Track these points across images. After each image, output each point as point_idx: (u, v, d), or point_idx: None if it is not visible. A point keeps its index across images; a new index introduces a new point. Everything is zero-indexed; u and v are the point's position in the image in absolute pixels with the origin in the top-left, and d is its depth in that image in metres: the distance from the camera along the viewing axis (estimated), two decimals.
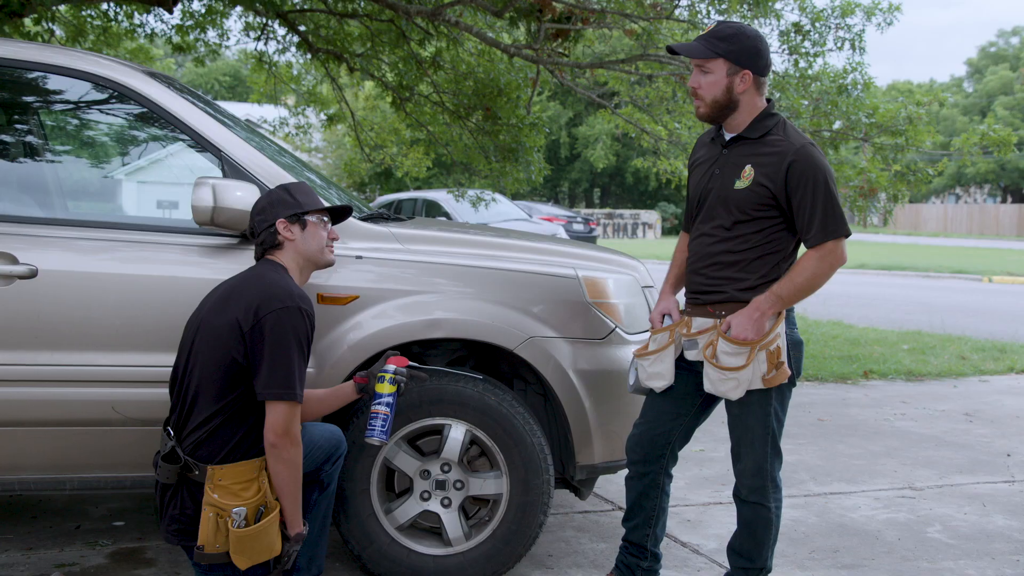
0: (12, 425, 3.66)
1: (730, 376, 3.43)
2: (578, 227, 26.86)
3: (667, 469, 3.81)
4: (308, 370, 3.78)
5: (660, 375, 3.66)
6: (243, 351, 3.19)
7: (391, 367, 3.56)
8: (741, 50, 3.47)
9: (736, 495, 3.69)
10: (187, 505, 3.27)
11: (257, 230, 3.44)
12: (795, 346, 3.55)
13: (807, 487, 5.67)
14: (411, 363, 3.65)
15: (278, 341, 3.17)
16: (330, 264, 3.56)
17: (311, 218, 3.45)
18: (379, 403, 3.53)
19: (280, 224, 3.39)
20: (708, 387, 3.51)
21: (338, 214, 3.63)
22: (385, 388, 3.53)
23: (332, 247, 3.54)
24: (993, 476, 6.00)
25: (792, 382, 3.54)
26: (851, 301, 15.98)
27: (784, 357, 3.44)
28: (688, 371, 3.65)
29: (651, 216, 47.39)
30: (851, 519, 5.10)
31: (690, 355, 3.60)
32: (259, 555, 3.19)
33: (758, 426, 3.54)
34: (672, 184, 10.87)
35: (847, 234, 3.42)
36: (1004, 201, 63.62)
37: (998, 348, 11.03)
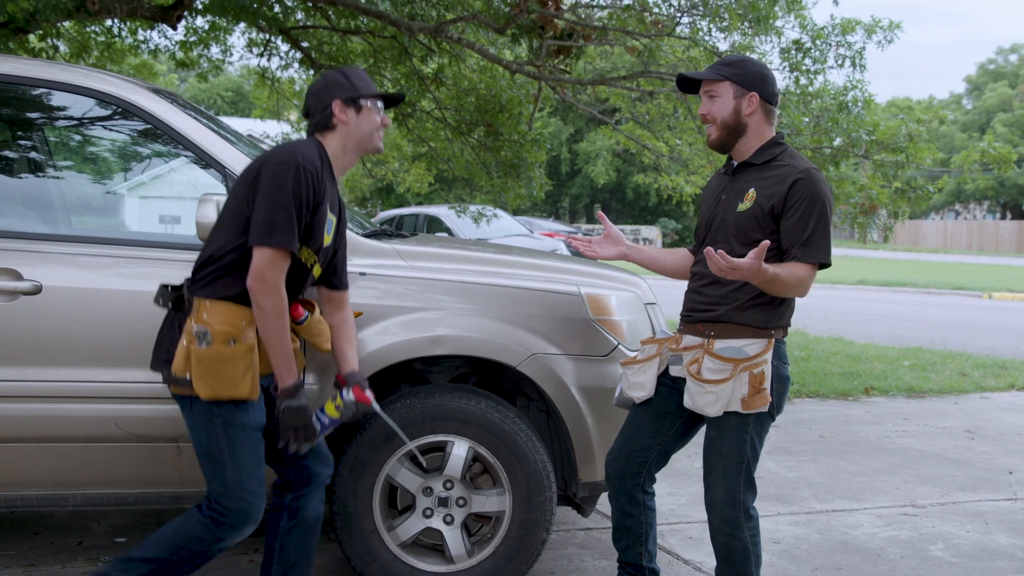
0: (15, 441, 3.67)
1: (710, 389, 3.43)
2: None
3: (644, 487, 3.78)
4: (311, 386, 3.79)
5: (641, 385, 3.68)
6: (247, 201, 3.25)
7: (350, 397, 3.47)
8: (746, 73, 3.54)
9: (710, 527, 3.63)
10: (177, 336, 3.29)
11: (312, 111, 3.45)
12: (780, 380, 3.53)
13: (809, 504, 5.67)
14: (373, 404, 3.52)
15: (267, 191, 3.21)
16: (379, 151, 3.57)
17: (366, 103, 3.45)
18: (319, 418, 3.45)
19: (336, 106, 3.40)
20: (687, 401, 3.53)
21: (391, 101, 3.62)
22: (330, 410, 3.46)
23: (381, 133, 3.52)
24: (995, 494, 6.00)
25: (772, 415, 3.53)
26: (851, 317, 15.99)
27: (767, 384, 3.44)
28: (671, 389, 3.66)
29: (652, 232, 47.44)
30: (853, 536, 5.10)
31: (674, 370, 3.62)
32: (221, 386, 3.19)
33: (733, 452, 3.52)
34: (673, 200, 10.91)
35: (828, 264, 3.46)
36: (1003, 217, 63.74)
37: (999, 365, 11.03)
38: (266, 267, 3.18)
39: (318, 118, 3.43)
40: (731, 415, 3.46)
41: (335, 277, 3.61)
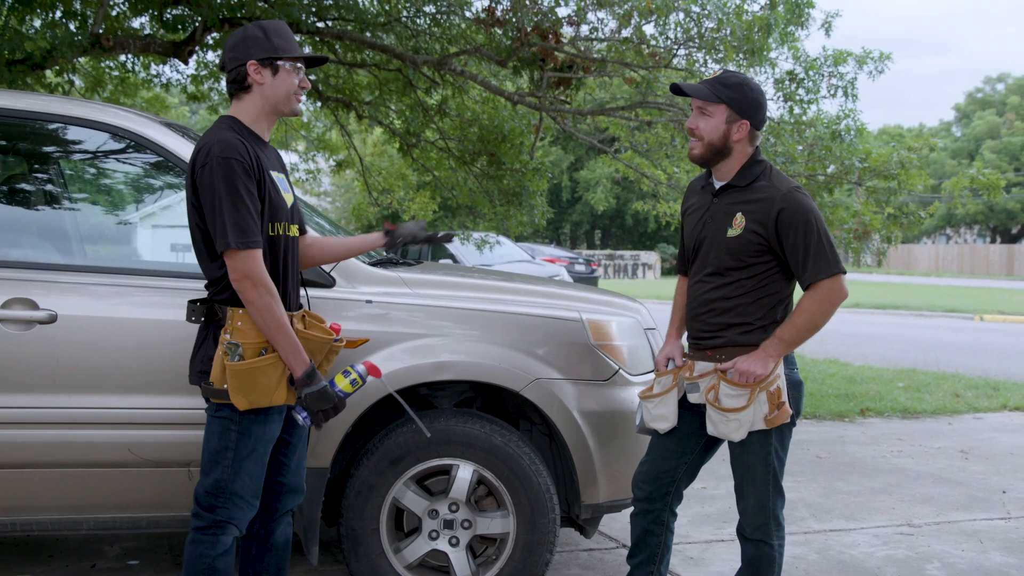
0: (31, 467, 3.75)
1: (732, 417, 3.50)
2: (580, 268, 26.99)
3: (671, 507, 3.87)
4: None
5: (664, 417, 3.73)
6: (201, 217, 3.24)
7: (362, 369, 3.42)
8: (743, 100, 3.57)
9: (740, 533, 3.76)
10: (211, 348, 3.30)
11: (227, 67, 3.33)
12: (795, 386, 3.62)
13: (807, 524, 5.73)
14: (381, 376, 3.54)
15: (207, 199, 3.17)
16: (296, 114, 3.48)
17: (284, 64, 3.31)
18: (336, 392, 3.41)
19: (251, 66, 3.27)
20: (711, 429, 3.59)
21: (313, 61, 3.50)
22: (344, 385, 3.38)
23: (300, 96, 3.41)
24: (989, 513, 6.06)
25: (792, 422, 3.61)
26: (847, 340, 16.04)
27: (785, 397, 3.51)
28: (692, 411, 3.72)
29: (651, 257, 47.56)
30: (851, 556, 5.17)
31: (692, 398, 3.67)
32: (256, 397, 3.20)
33: (759, 465, 3.62)
34: (672, 227, 11.03)
35: (842, 271, 3.48)
36: (993, 241, 64.02)
37: (991, 386, 11.10)
38: (243, 266, 3.15)
39: (233, 76, 3.32)
40: (753, 432, 3.54)
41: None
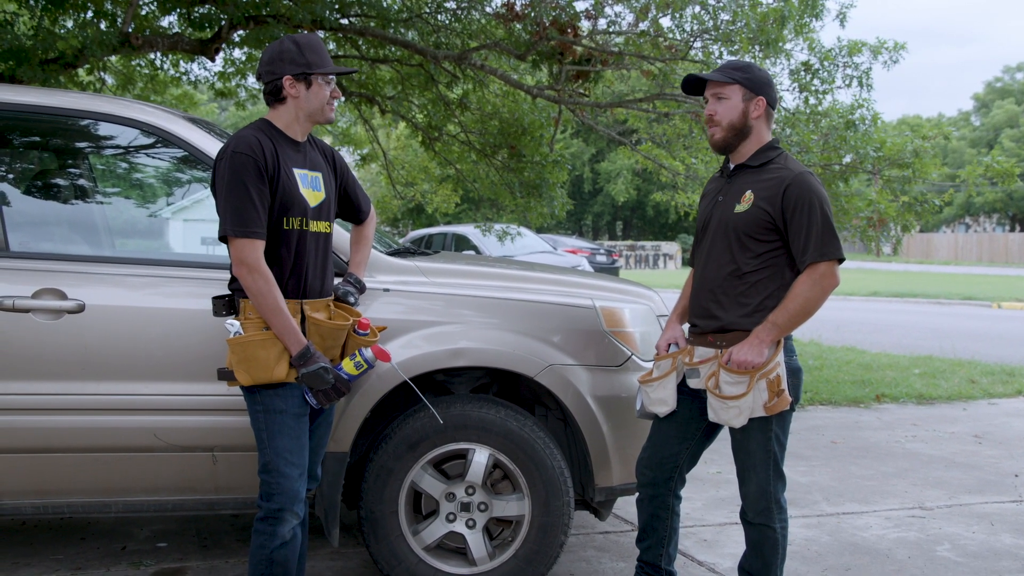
0: (61, 451, 3.86)
1: (732, 404, 3.56)
2: (601, 259, 27.03)
3: (675, 491, 3.94)
4: None
5: (663, 401, 3.80)
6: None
7: (369, 354, 3.56)
8: (754, 78, 3.69)
9: (743, 517, 3.83)
10: None
11: (264, 80, 3.55)
12: (794, 373, 3.68)
13: (820, 507, 5.80)
14: (391, 360, 3.70)
15: (217, 188, 3.42)
16: (329, 122, 3.67)
17: (317, 78, 3.52)
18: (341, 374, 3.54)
19: (286, 81, 3.48)
20: (712, 416, 3.66)
21: (344, 74, 3.73)
22: (350, 368, 3.53)
23: (332, 105, 3.61)
24: (1001, 496, 6.11)
25: (792, 408, 3.67)
26: (864, 327, 16.05)
27: (784, 385, 3.57)
28: (692, 397, 3.79)
29: (672, 247, 47.62)
30: (863, 538, 5.23)
31: (692, 383, 3.74)
32: (257, 372, 3.39)
33: (760, 451, 3.69)
34: (690, 217, 11.09)
35: (840, 258, 3.54)
36: (1012, 230, 63.89)
37: (1007, 372, 11.13)
38: (240, 253, 3.34)
39: (269, 89, 3.53)
40: (754, 418, 3.60)
41: (360, 213, 3.90)
